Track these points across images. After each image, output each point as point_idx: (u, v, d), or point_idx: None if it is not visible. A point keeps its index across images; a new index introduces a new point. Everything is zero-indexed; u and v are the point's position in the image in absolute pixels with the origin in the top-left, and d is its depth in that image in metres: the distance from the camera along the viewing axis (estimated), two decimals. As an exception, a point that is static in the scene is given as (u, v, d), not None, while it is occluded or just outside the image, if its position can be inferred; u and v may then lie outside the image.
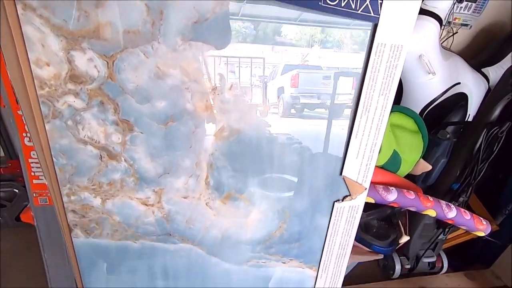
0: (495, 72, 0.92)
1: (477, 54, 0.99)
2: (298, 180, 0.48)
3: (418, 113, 0.86)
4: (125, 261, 0.49)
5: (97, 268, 0.48)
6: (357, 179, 0.50)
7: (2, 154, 1.02)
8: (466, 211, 0.74)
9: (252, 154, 0.44)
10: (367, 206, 0.75)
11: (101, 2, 0.33)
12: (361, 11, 0.38)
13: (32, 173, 0.54)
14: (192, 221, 0.48)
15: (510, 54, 0.91)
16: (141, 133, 0.40)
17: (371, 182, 0.74)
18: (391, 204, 0.70)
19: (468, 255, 1.12)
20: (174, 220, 0.47)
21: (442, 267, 1.04)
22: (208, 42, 0.37)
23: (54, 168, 0.40)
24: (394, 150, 0.75)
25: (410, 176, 0.85)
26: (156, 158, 0.42)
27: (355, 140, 0.46)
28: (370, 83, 0.43)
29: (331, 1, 0.36)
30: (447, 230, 0.94)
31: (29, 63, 0.34)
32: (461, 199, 0.86)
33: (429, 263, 1.01)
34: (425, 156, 0.84)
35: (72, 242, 0.45)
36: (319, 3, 0.36)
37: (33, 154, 0.53)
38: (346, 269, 0.99)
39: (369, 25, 0.39)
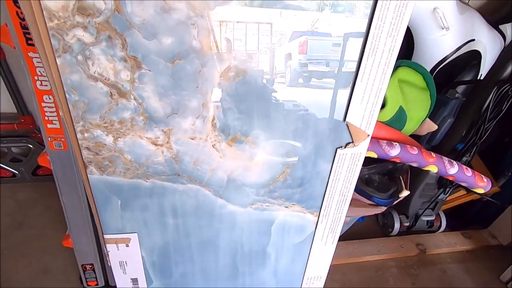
0: (513, 29, 0.88)
1: (496, 10, 0.94)
2: (303, 126, 0.49)
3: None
4: (137, 199, 0.52)
5: (111, 205, 0.52)
6: (361, 126, 0.50)
7: (15, 111, 1.05)
8: (468, 168, 0.75)
9: (258, 96, 0.45)
10: (369, 162, 0.77)
11: None
12: None
13: (46, 118, 0.56)
14: (199, 162, 0.50)
15: (531, 10, 0.87)
16: (149, 70, 0.41)
17: (375, 137, 0.75)
18: (394, 159, 0.71)
19: (467, 217, 1.15)
20: (182, 161, 0.49)
21: (440, 226, 1.07)
22: (214, -27, 0.36)
23: (68, 105, 0.42)
24: (400, 106, 0.75)
25: (415, 136, 0.85)
26: (164, 97, 0.43)
27: (360, 84, 0.46)
28: (378, 23, 0.42)
29: None
30: (448, 189, 0.96)
31: (37, -8, 0.34)
32: (464, 158, 0.87)
33: (427, 221, 1.05)
34: (432, 116, 0.83)
35: (88, 178, 0.48)
36: None
37: (46, 99, 0.55)
38: (346, 225, 1.03)
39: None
